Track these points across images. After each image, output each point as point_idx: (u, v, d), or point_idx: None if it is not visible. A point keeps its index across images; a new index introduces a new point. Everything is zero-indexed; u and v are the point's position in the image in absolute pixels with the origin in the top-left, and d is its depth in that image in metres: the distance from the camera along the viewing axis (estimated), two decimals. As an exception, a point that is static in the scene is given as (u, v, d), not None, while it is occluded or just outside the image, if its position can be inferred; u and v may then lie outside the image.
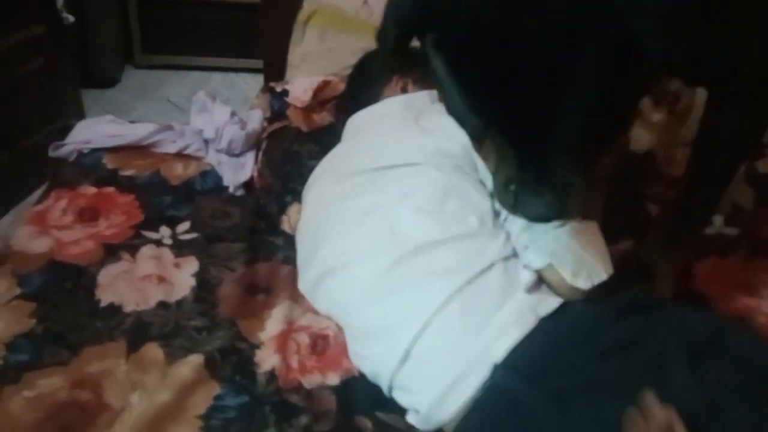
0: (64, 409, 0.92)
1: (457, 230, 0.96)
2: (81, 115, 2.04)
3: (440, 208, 0.98)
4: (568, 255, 0.91)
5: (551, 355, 0.83)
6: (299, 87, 1.58)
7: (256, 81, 2.16)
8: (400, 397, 0.94)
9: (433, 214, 0.98)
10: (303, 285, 1.11)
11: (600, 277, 0.92)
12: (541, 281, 0.94)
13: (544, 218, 0.76)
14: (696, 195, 1.07)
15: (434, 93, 1.27)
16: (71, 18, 2.20)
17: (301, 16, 1.66)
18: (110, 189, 1.37)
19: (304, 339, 1.07)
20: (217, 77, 2.67)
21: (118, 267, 1.18)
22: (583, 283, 0.91)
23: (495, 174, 0.78)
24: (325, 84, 1.57)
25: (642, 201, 1.37)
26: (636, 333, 0.86)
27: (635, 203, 1.35)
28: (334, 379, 1.01)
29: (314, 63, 1.63)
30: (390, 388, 0.94)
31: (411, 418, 0.92)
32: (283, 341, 1.05)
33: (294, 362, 1.03)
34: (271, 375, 1.00)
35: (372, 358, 0.95)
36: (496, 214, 1.01)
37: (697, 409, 0.74)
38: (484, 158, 0.81)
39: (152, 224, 1.29)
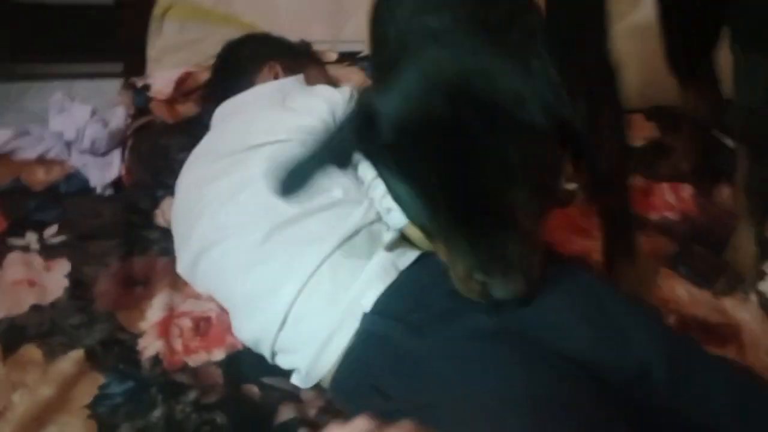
0: (-60, 418, 0.91)
1: (323, 200, 1.03)
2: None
3: None
4: None
5: (412, 297, 0.92)
6: (161, 80, 1.59)
7: (109, 85, 2.12)
8: (282, 361, 1.00)
9: None
10: (181, 267, 1.14)
11: None
12: (404, 239, 1.03)
13: (515, 296, 0.81)
14: None
15: (302, 77, 1.34)
16: None
17: (157, 9, 1.66)
18: (-33, 200, 1.34)
19: (186, 323, 1.11)
20: (80, 85, 2.58)
21: (-15, 276, 1.17)
22: None
23: (452, 266, 0.81)
24: (188, 75, 1.60)
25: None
26: None
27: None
28: (219, 354, 1.05)
29: (174, 55, 1.65)
30: (273, 354, 1.00)
31: (294, 379, 0.99)
32: (165, 327, 1.08)
33: (178, 345, 1.07)
34: (156, 359, 1.03)
35: (253, 327, 1.01)
36: (360, 182, 1.10)
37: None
38: (437, 250, 0.85)
39: (18, 230, 1.28)
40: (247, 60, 1.41)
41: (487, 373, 0.82)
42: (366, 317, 0.91)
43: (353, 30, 1.86)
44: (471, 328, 0.86)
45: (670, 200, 1.51)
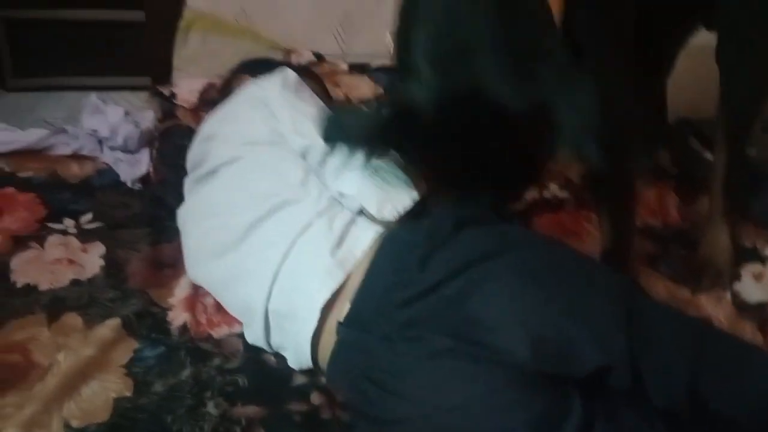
0: (-4, 370, 1.03)
1: (274, 202, 1.09)
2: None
3: (252, 188, 1.13)
4: (373, 191, 1.04)
5: (374, 307, 0.95)
6: (185, 89, 1.73)
7: (136, 98, 2.24)
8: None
9: (248, 194, 1.13)
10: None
11: (404, 204, 1.04)
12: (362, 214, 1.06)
13: None
14: None
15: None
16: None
17: (183, 22, 1.80)
18: (10, 189, 1.46)
19: (210, 301, 1.21)
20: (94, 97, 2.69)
21: (28, 254, 1.28)
22: (390, 214, 1.04)
23: None
24: (210, 85, 1.73)
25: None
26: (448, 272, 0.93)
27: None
28: (239, 328, 1.16)
29: (198, 65, 1.78)
30: (274, 353, 1.10)
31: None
32: (191, 302, 1.19)
33: (203, 319, 1.18)
34: (184, 328, 1.14)
35: (248, 332, 1.11)
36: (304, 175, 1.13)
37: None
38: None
39: (56, 217, 1.39)
40: (243, 74, 1.50)
41: (447, 398, 0.87)
42: (339, 327, 0.97)
43: (362, 44, 2.01)
44: (431, 350, 0.89)
45: (654, 207, 1.63)
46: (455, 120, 0.88)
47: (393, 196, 1.04)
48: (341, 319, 0.98)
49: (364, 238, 1.02)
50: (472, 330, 0.89)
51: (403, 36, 0.94)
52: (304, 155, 1.15)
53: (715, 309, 1.34)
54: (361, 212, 1.05)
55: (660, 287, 1.38)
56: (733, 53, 1.34)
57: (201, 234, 1.18)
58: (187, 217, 1.24)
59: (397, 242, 1.00)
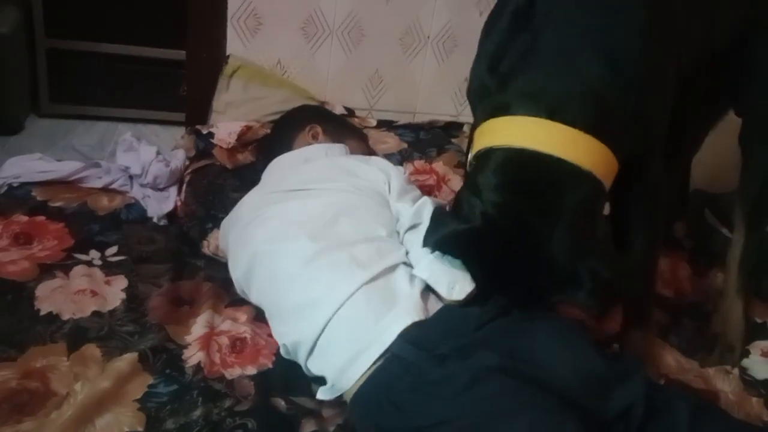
0: (16, 395, 1.06)
1: (369, 233, 1.20)
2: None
3: (359, 215, 1.24)
4: (442, 276, 1.12)
5: (440, 333, 1.04)
6: (224, 130, 1.79)
7: (165, 131, 2.30)
8: (314, 365, 1.12)
9: (353, 219, 1.23)
10: (236, 276, 1.30)
11: (471, 287, 1.12)
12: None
13: None
14: None
15: (343, 146, 1.53)
16: (-18, 64, 2.27)
17: (227, 69, 1.89)
18: (41, 218, 1.51)
19: (224, 341, 1.25)
20: (123, 128, 2.76)
21: (53, 283, 1.32)
22: (458, 295, 1.12)
23: None
24: (248, 129, 1.80)
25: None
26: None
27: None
28: (251, 370, 1.19)
29: (237, 109, 1.86)
30: (308, 355, 1.12)
31: (320, 393, 1.11)
32: (206, 341, 1.23)
33: (216, 359, 1.21)
34: (198, 368, 1.17)
35: (295, 331, 1.14)
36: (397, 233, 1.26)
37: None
38: None
39: (82, 248, 1.44)
40: (294, 119, 1.62)
41: (492, 403, 0.96)
42: (396, 342, 1.04)
43: (388, 101, 2.08)
44: (481, 364, 1.00)
45: (667, 278, 1.65)
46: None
47: (460, 279, 1.11)
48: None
49: (435, 305, 1.12)
50: (526, 353, 1.02)
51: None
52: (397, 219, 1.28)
53: (723, 383, 1.35)
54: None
55: (669, 358, 1.39)
56: (756, 139, 1.39)
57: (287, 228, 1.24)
58: (272, 209, 1.30)
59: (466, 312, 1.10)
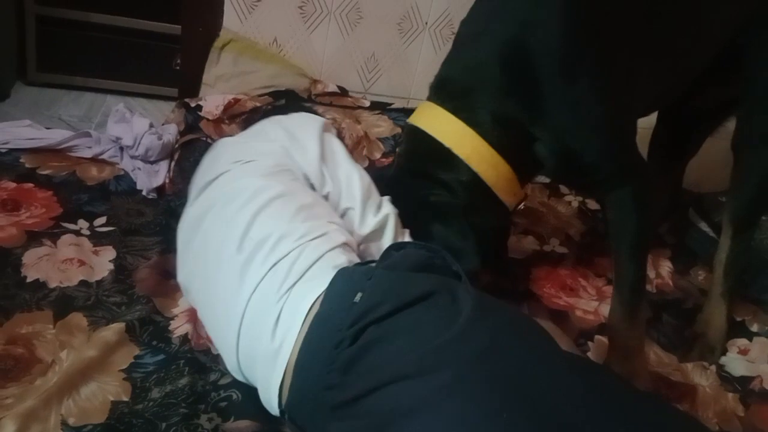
0: (1, 360, 1.05)
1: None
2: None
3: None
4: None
5: (309, 403, 0.91)
6: (212, 103, 1.78)
7: (153, 105, 2.28)
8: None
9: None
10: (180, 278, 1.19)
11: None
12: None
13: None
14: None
15: None
16: (-30, 31, 2.23)
17: (218, 42, 1.87)
18: (29, 185, 1.50)
19: (211, 316, 1.25)
20: (112, 100, 2.73)
21: (41, 251, 1.32)
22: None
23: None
24: (235, 101, 1.79)
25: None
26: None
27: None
28: (237, 346, 1.20)
29: (227, 83, 1.85)
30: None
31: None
32: (193, 314, 1.22)
33: (203, 332, 1.20)
34: (184, 338, 1.17)
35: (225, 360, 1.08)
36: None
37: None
38: None
39: (70, 217, 1.43)
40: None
41: None
42: (281, 416, 0.96)
43: (383, 86, 2.08)
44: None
45: (649, 274, 1.67)
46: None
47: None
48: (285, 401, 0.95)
49: (303, 308, 0.95)
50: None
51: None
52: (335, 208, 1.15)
53: (700, 377, 1.38)
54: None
55: (649, 352, 1.41)
56: (748, 143, 1.41)
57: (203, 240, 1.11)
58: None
59: (327, 327, 0.91)
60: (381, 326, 0.88)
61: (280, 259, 0.98)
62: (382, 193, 1.19)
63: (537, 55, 1.13)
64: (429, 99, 1.26)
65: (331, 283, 0.94)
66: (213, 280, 1.04)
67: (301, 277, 0.97)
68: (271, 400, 0.97)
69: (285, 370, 0.93)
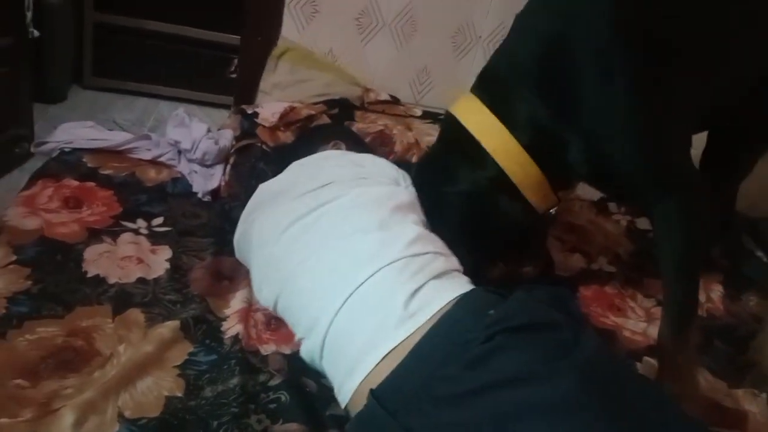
0: (61, 351, 1.09)
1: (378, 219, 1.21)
2: (30, 127, 2.03)
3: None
4: None
5: (412, 391, 0.93)
6: (268, 110, 1.82)
7: (203, 113, 2.34)
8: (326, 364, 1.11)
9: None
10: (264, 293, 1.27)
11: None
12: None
13: None
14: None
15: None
16: (36, 32, 2.32)
17: (276, 51, 1.92)
18: (91, 184, 1.55)
19: (260, 317, 1.27)
20: (164, 105, 2.79)
21: (101, 247, 1.36)
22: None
23: None
24: (291, 109, 1.83)
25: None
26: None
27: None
28: (285, 349, 1.21)
29: (283, 91, 1.89)
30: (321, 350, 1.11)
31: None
32: (244, 315, 1.25)
33: (253, 333, 1.24)
34: (236, 339, 1.20)
35: (305, 345, 1.15)
36: None
37: None
38: None
39: (130, 216, 1.48)
40: (319, 132, 1.69)
41: None
42: (371, 395, 0.96)
43: (434, 98, 2.10)
44: None
45: (701, 297, 1.64)
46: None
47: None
48: (378, 382, 0.97)
49: (438, 300, 1.02)
50: None
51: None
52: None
53: (751, 404, 1.35)
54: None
55: (699, 377, 1.39)
56: None
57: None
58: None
59: (458, 326, 0.97)
60: (512, 336, 0.92)
61: (418, 255, 1.08)
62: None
63: (577, 51, 1.11)
64: (472, 90, 1.26)
65: (465, 294, 1.02)
66: (332, 250, 1.13)
67: (434, 278, 1.06)
68: (354, 375, 1.00)
69: (394, 349, 0.97)
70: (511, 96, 1.18)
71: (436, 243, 1.18)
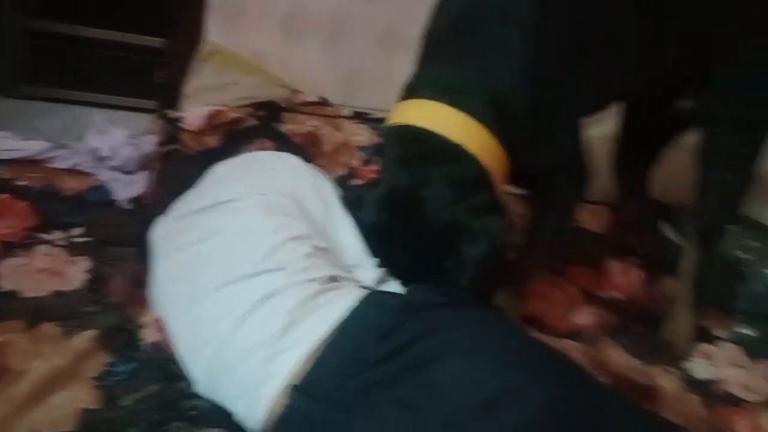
0: (-29, 369, 1.07)
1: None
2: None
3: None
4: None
5: (329, 376, 0.97)
6: (192, 115, 1.79)
7: (134, 118, 2.29)
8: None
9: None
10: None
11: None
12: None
13: None
14: None
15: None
16: (-43, 42, 2.23)
17: (201, 54, 1.89)
18: (5, 196, 1.51)
19: (183, 324, 1.27)
20: (96, 113, 2.70)
21: (15, 261, 1.33)
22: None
23: None
24: (217, 112, 1.81)
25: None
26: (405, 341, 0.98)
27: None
28: (208, 355, 1.21)
29: (208, 95, 1.86)
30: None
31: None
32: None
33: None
34: (156, 346, 1.19)
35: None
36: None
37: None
38: None
39: (47, 227, 1.45)
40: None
41: None
42: (293, 393, 0.97)
43: (364, 100, 2.11)
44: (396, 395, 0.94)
45: (619, 282, 1.71)
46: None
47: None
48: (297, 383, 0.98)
49: (333, 312, 1.02)
50: (430, 395, 0.92)
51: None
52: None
53: (665, 380, 1.41)
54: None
55: (616, 355, 1.45)
56: (712, 155, 1.43)
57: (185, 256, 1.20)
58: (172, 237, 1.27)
59: (363, 319, 1.02)
60: (416, 312, 1.02)
61: (311, 280, 1.06)
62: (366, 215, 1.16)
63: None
64: (413, 97, 1.18)
65: (362, 298, 1.04)
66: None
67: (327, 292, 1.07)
68: (267, 379, 0.99)
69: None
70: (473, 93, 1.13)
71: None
